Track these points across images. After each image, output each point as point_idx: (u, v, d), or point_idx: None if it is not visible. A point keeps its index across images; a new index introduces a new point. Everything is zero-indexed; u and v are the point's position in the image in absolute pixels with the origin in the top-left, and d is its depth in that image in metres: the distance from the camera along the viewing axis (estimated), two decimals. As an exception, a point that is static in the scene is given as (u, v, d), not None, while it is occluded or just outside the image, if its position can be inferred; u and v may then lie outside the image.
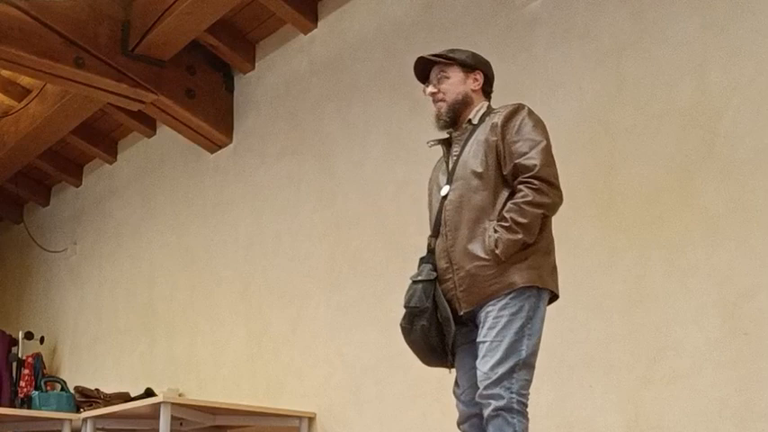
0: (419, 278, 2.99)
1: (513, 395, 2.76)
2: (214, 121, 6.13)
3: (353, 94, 5.26)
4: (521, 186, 2.89)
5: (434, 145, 3.18)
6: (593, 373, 3.77)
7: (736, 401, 3.31)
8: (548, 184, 2.89)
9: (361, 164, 5.11)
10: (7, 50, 5.39)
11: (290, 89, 5.74)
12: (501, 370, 2.77)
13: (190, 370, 6.12)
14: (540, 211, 2.88)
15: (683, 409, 3.46)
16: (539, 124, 3.00)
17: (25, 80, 6.62)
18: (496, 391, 2.76)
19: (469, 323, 2.93)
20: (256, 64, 6.04)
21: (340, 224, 5.18)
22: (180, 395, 5.73)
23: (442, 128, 3.14)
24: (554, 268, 2.97)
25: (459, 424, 3.02)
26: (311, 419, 5.03)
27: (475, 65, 3.16)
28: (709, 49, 3.64)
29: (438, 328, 2.92)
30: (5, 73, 6.49)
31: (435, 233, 3.03)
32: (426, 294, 2.94)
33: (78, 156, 7.70)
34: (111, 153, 7.41)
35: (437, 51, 3.18)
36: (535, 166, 2.89)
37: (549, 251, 2.97)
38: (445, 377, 4.21)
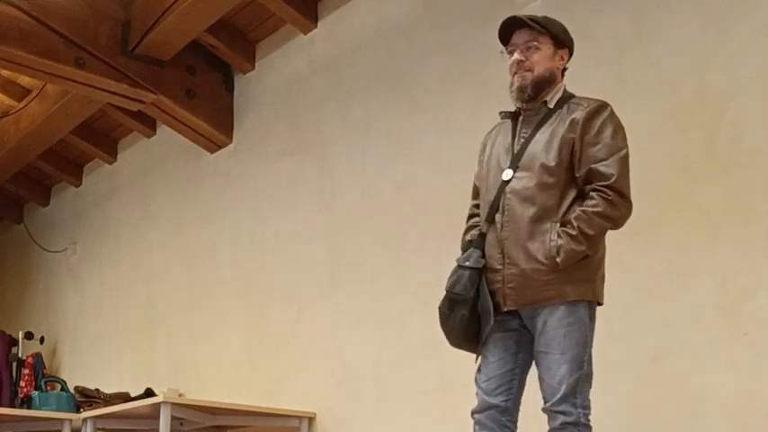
0: (467, 264, 2.86)
1: (580, 410, 2.77)
2: (214, 121, 6.13)
3: (353, 94, 5.25)
4: (593, 194, 2.79)
5: (506, 117, 3.02)
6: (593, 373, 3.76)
7: (736, 401, 3.31)
8: (621, 197, 2.81)
9: (361, 164, 5.11)
10: (7, 50, 5.39)
11: (290, 89, 5.74)
12: (568, 383, 2.75)
13: (190, 370, 6.11)
14: (608, 225, 2.81)
15: (683, 409, 3.45)
16: (620, 130, 2.88)
17: (25, 80, 6.62)
18: (564, 407, 2.75)
19: (509, 313, 2.85)
20: (256, 64, 6.04)
21: (340, 224, 5.18)
22: (180, 395, 5.72)
23: (522, 101, 2.94)
24: (603, 277, 2.92)
25: (474, 412, 2.92)
26: (311, 419, 5.03)
27: (565, 41, 3.00)
28: (709, 49, 3.64)
29: (477, 317, 2.84)
30: (5, 73, 6.48)
31: (490, 219, 2.89)
32: (472, 283, 2.83)
33: (78, 156, 7.70)
34: (111, 153, 7.41)
35: (520, 19, 2.96)
36: (612, 175, 2.79)
37: (602, 261, 2.90)
38: (445, 377, 4.23)
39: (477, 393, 2.95)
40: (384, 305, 4.75)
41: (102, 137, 7.33)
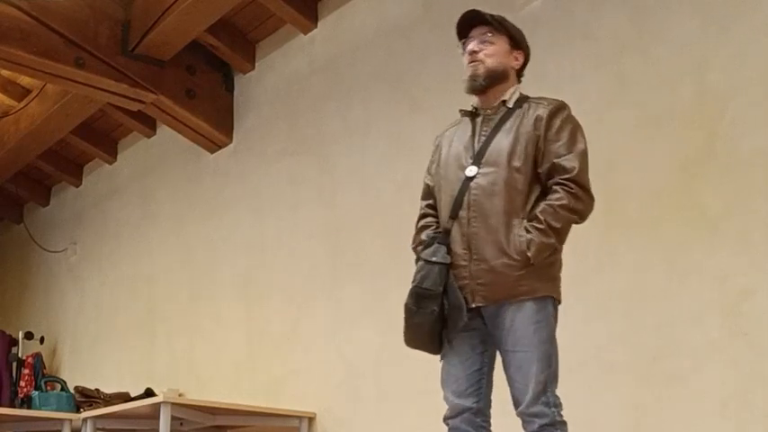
0: (434, 259, 2.85)
1: (554, 408, 2.76)
2: (214, 121, 6.13)
3: (353, 94, 5.26)
4: (557, 188, 2.81)
5: (464, 116, 3.04)
6: (593, 373, 3.76)
7: (736, 401, 3.31)
8: (584, 190, 2.83)
9: (361, 164, 5.11)
10: (7, 50, 5.39)
11: (290, 89, 5.74)
12: (539, 381, 2.74)
13: (190, 370, 6.12)
14: (573, 217, 2.83)
15: (683, 409, 3.46)
16: (579, 128, 2.92)
17: (25, 80, 6.62)
18: (539, 408, 2.73)
19: (472, 311, 2.83)
20: (256, 64, 6.04)
21: (340, 224, 5.18)
22: (180, 395, 5.72)
23: (473, 90, 2.98)
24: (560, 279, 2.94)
25: (447, 418, 2.90)
26: (311, 419, 5.03)
27: (521, 43, 3.04)
28: (709, 49, 3.64)
29: (443, 314, 2.81)
30: (5, 73, 6.49)
31: (453, 214, 2.89)
32: (441, 278, 2.81)
33: (78, 156, 7.71)
34: (111, 153, 7.41)
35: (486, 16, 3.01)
36: (574, 168, 2.81)
37: (561, 265, 2.91)
38: (445, 377, 4.19)
39: (446, 398, 2.91)
40: (384, 305, 4.75)
41: (102, 137, 7.33)
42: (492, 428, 2.94)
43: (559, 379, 3.88)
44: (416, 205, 4.63)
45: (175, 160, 6.67)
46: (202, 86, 6.10)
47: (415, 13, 4.96)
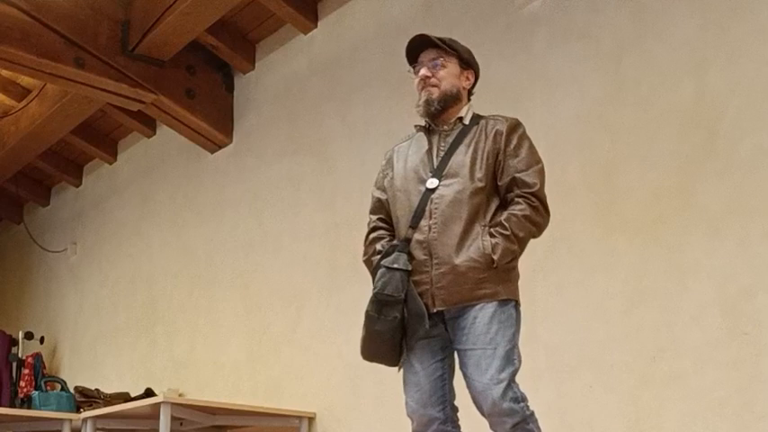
0: (395, 266, 2.87)
1: (522, 404, 2.75)
2: (214, 121, 6.13)
3: (353, 94, 5.26)
4: (519, 200, 2.87)
5: (420, 130, 3.08)
6: (593, 373, 3.76)
7: (736, 401, 3.31)
8: (543, 206, 2.90)
9: (361, 164, 5.11)
10: (7, 50, 5.39)
11: (290, 89, 5.74)
12: (502, 378, 2.72)
13: (190, 370, 6.12)
14: (533, 229, 2.89)
15: (683, 409, 3.46)
16: (534, 147, 2.99)
17: (25, 80, 6.63)
18: (507, 405, 2.71)
19: (433, 317, 2.84)
20: (256, 64, 6.04)
21: (340, 224, 5.18)
22: (180, 395, 5.72)
23: (428, 115, 3.03)
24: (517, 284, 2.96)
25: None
26: (311, 419, 5.03)
27: (471, 63, 3.10)
28: (709, 49, 3.64)
29: (404, 322, 2.82)
30: (5, 73, 6.49)
31: (414, 224, 2.92)
32: (403, 285, 2.83)
33: (78, 156, 7.71)
34: (111, 153, 7.41)
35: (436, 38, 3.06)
36: (535, 184, 2.89)
37: (518, 272, 2.94)
38: (445, 377, 4.18)
39: (408, 406, 2.91)
40: (384, 305, 4.75)
41: (102, 137, 7.34)
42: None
43: (560, 379, 3.89)
44: (416, 205, 4.67)
45: (175, 160, 6.67)
46: (202, 86, 6.10)
47: (415, 13, 4.96)
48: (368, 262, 3.08)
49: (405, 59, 4.93)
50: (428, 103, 3.01)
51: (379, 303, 2.87)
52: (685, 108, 3.68)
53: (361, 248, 4.96)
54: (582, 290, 3.83)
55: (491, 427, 2.77)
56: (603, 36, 4.03)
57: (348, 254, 5.09)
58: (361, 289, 4.94)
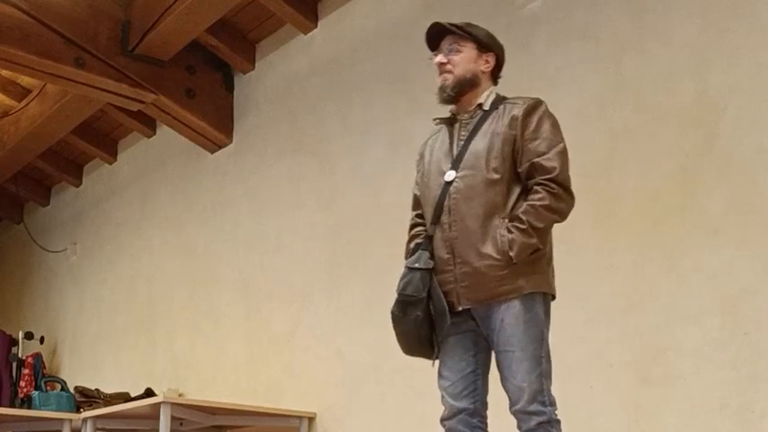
0: (416, 265, 2.88)
1: (549, 407, 2.77)
2: (214, 121, 6.13)
3: (353, 94, 5.26)
4: (538, 188, 2.81)
5: (440, 123, 3.06)
6: (593, 373, 3.76)
7: (736, 401, 3.31)
8: (565, 190, 2.83)
9: (361, 164, 5.11)
10: (7, 50, 5.40)
11: (290, 89, 5.74)
12: (533, 382, 2.74)
13: (190, 370, 6.12)
14: (554, 217, 2.83)
15: (683, 409, 3.46)
16: (556, 124, 2.92)
17: (25, 80, 6.63)
18: (535, 407, 2.74)
19: (463, 314, 2.85)
20: (256, 64, 6.04)
21: (340, 224, 5.18)
22: (180, 395, 5.72)
23: (445, 101, 3.01)
24: (553, 272, 2.94)
25: (444, 420, 2.91)
26: (311, 419, 5.03)
27: (490, 46, 3.05)
28: (709, 49, 3.64)
29: (430, 319, 2.84)
30: (5, 73, 6.49)
31: (435, 220, 2.91)
32: (423, 284, 2.84)
33: (78, 156, 7.71)
34: (111, 153, 7.42)
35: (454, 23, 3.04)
36: (554, 168, 2.81)
37: (551, 256, 2.92)
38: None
39: (443, 399, 2.93)
40: (384, 305, 4.72)
41: (102, 137, 7.34)
42: (488, 429, 2.94)
43: (560, 379, 3.88)
44: (416, 205, 4.67)
45: (175, 160, 6.67)
46: (202, 86, 6.10)
47: (415, 13, 4.96)
48: (406, 259, 3.07)
49: (405, 59, 4.97)
50: (442, 89, 3.00)
51: (401, 303, 2.89)
52: (685, 108, 3.67)
53: (362, 248, 5.00)
54: (582, 290, 3.83)
55: (517, 423, 2.79)
56: (603, 36, 4.03)
57: (348, 254, 5.09)
58: (362, 289, 4.97)
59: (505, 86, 3.54)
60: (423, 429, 4.42)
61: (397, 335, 2.93)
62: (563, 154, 2.86)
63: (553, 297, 2.93)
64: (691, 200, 3.58)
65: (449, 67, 2.99)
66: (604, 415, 3.69)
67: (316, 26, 5.57)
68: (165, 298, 6.54)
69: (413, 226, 3.13)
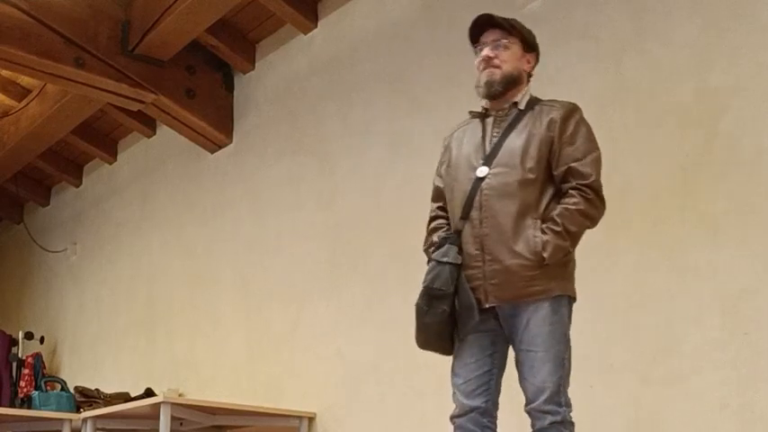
0: (445, 259, 2.85)
1: (565, 408, 2.77)
2: (214, 121, 6.13)
3: (353, 94, 5.26)
4: (573, 192, 2.83)
5: (475, 117, 3.04)
6: (593, 373, 3.76)
7: (736, 401, 3.31)
8: (599, 197, 2.86)
9: (361, 164, 5.11)
10: (7, 50, 5.39)
11: (290, 89, 5.74)
12: (553, 382, 2.75)
13: (190, 370, 6.12)
14: (587, 222, 2.85)
15: (683, 409, 3.46)
16: (591, 131, 2.94)
17: (25, 80, 6.63)
18: (551, 407, 2.75)
19: (486, 312, 2.84)
20: (256, 64, 6.04)
21: (340, 224, 5.18)
22: (180, 395, 5.72)
23: (489, 97, 2.98)
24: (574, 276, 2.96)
25: (454, 417, 2.91)
26: (311, 419, 5.03)
27: (534, 46, 3.05)
28: (709, 49, 3.64)
29: (454, 315, 2.83)
30: (5, 73, 6.49)
31: (464, 215, 2.89)
32: (452, 278, 2.82)
33: (78, 156, 7.71)
34: (111, 153, 7.42)
35: (497, 19, 3.00)
36: (590, 175, 2.84)
37: (575, 262, 2.93)
38: (446, 376, 4.20)
39: (454, 397, 2.93)
40: (384, 305, 4.75)
41: (102, 137, 7.34)
42: (498, 429, 2.94)
43: (559, 379, 3.88)
44: (416, 205, 4.66)
45: (175, 160, 6.67)
46: (202, 86, 6.10)
47: (415, 13, 4.96)
48: (426, 252, 3.05)
49: (405, 59, 4.97)
50: (490, 84, 2.97)
51: (428, 297, 2.86)
52: (685, 108, 3.67)
53: (362, 248, 5.00)
54: (582, 290, 3.82)
55: (531, 422, 2.80)
56: (603, 36, 4.02)
57: (348, 254, 5.09)
58: (362, 289, 4.97)
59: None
60: (423, 429, 4.42)
61: (417, 327, 2.91)
62: (598, 161, 2.90)
63: (575, 300, 2.94)
64: (691, 200, 3.58)
65: (497, 62, 2.97)
66: (604, 415, 3.69)
67: (316, 26, 5.57)
68: (165, 298, 6.54)
69: (434, 218, 3.10)
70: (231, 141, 6.18)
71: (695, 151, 3.61)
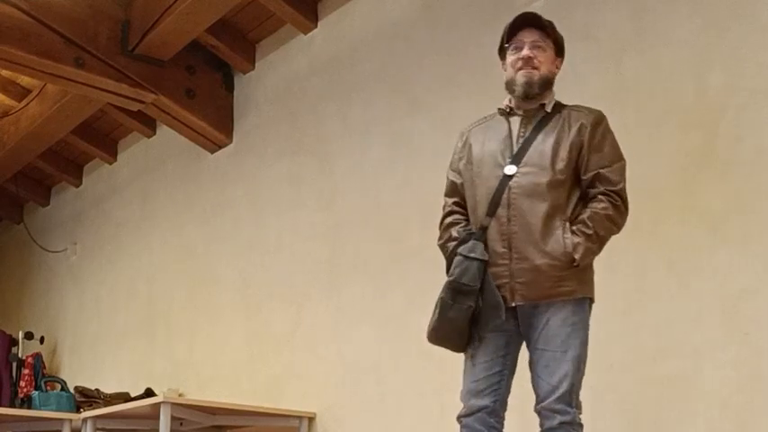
0: (473, 255, 2.84)
1: (575, 409, 2.78)
2: (214, 121, 6.13)
3: (353, 94, 5.26)
4: (602, 197, 2.87)
5: (501, 114, 3.04)
6: (593, 374, 3.76)
7: (736, 401, 3.31)
8: (624, 205, 2.91)
9: (361, 164, 5.11)
10: (7, 50, 5.39)
11: (290, 89, 5.74)
12: (567, 383, 2.76)
13: (190, 370, 6.12)
14: (614, 228, 2.90)
15: (683, 409, 3.45)
16: (616, 141, 2.98)
17: (25, 80, 6.63)
18: (562, 406, 2.76)
19: (508, 311, 2.84)
20: (256, 64, 6.04)
21: (340, 224, 5.18)
22: (180, 395, 5.72)
23: (527, 96, 2.98)
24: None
25: (461, 416, 2.91)
26: (311, 419, 5.03)
27: (563, 51, 3.09)
28: (709, 49, 3.64)
29: (476, 311, 2.82)
30: (5, 73, 6.49)
31: (491, 212, 2.89)
32: (479, 274, 2.81)
33: (78, 156, 7.71)
34: (111, 153, 7.42)
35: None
36: (619, 182, 2.90)
37: (593, 267, 2.96)
38: (446, 376, 4.21)
39: (461, 394, 2.92)
40: (384, 305, 4.75)
41: (102, 137, 7.34)
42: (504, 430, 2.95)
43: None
44: (416, 205, 4.67)
45: (175, 160, 6.67)
46: (202, 86, 6.10)
47: (415, 14, 4.96)
48: (443, 247, 3.03)
49: (405, 59, 4.97)
50: (529, 84, 2.97)
51: (454, 291, 2.85)
52: (685, 108, 3.67)
53: (362, 248, 5.00)
54: (582, 290, 3.82)
55: (540, 421, 2.81)
56: (603, 36, 4.02)
57: (348, 254, 5.09)
58: (362, 289, 4.97)
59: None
60: (423, 429, 4.42)
61: (439, 321, 2.89)
62: (624, 170, 2.96)
63: (593, 303, 2.96)
64: (691, 200, 3.58)
65: (536, 62, 2.99)
66: (604, 415, 3.69)
67: (316, 26, 5.57)
68: (165, 298, 6.54)
69: (450, 212, 3.08)
70: (231, 141, 6.18)
71: (695, 151, 3.61)
